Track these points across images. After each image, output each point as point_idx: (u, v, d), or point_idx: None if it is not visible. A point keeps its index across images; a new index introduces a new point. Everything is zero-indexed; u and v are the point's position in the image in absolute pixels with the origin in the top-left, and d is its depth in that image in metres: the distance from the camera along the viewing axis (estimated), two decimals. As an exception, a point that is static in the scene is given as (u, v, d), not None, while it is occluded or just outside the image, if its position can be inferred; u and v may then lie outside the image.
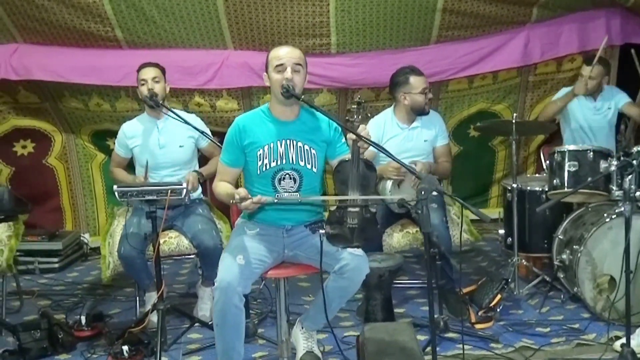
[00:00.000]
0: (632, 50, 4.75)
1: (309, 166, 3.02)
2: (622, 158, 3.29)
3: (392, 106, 4.20)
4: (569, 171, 3.82)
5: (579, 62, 4.99)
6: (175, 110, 3.93)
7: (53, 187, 5.42)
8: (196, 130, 3.84)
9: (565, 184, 3.82)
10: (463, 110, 5.49)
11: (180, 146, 3.97)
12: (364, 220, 2.88)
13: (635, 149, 3.25)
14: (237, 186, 3.16)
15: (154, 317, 3.47)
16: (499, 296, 3.83)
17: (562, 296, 3.97)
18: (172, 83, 4.30)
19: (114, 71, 4.70)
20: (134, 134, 3.99)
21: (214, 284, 2.86)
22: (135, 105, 4.94)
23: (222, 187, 3.04)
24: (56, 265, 5.02)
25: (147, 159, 3.86)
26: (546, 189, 4.06)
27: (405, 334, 2.99)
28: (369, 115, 3.07)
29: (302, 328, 3.16)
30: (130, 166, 4.15)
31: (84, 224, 5.52)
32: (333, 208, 3.00)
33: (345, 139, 3.00)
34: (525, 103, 5.52)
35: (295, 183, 3.02)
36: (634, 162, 3.13)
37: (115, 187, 3.31)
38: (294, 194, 3.03)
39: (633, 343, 3.09)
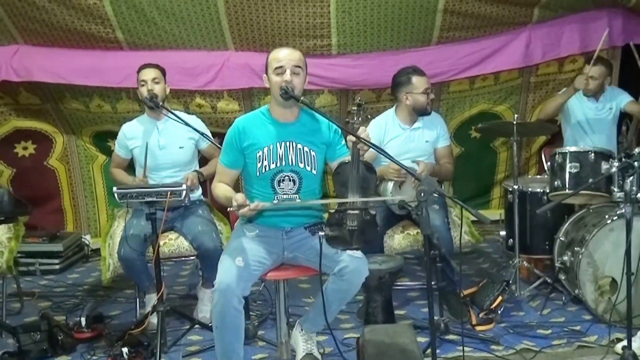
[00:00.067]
0: (631, 44, 4.73)
1: (308, 168, 3.01)
2: (623, 159, 3.27)
3: (394, 107, 4.19)
4: (570, 172, 3.81)
5: (581, 63, 4.98)
6: (175, 111, 3.92)
7: (54, 189, 5.42)
8: (196, 131, 3.84)
9: (567, 186, 3.81)
10: (464, 111, 5.48)
11: (180, 147, 3.96)
12: (363, 223, 2.87)
13: (636, 150, 3.23)
14: (237, 187, 3.15)
15: (153, 319, 3.47)
16: (500, 298, 3.81)
17: (563, 298, 3.95)
18: (172, 84, 4.30)
19: (115, 72, 4.71)
20: (134, 135, 3.99)
21: (214, 286, 2.85)
22: (136, 106, 4.94)
23: (221, 190, 3.03)
24: (57, 267, 5.02)
25: (147, 156, 3.85)
26: (547, 191, 4.04)
27: (405, 336, 2.98)
28: (369, 117, 3.06)
29: (302, 330, 3.15)
30: (130, 167, 4.15)
31: (85, 226, 5.53)
32: (333, 210, 2.99)
33: (345, 141, 2.99)
34: (527, 104, 5.51)
35: (294, 185, 3.02)
36: (635, 163, 3.11)
37: (114, 188, 3.31)
38: (294, 195, 3.02)
39: (634, 345, 3.09)
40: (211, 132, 4.16)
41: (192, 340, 3.66)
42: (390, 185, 3.83)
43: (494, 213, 5.39)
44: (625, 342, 3.08)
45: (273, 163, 2.99)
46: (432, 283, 2.62)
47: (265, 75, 3.03)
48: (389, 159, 2.84)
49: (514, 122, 3.98)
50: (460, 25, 4.83)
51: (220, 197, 3.02)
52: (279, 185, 3.01)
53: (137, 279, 3.82)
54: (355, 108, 2.89)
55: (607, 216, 3.66)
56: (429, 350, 2.94)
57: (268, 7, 4.51)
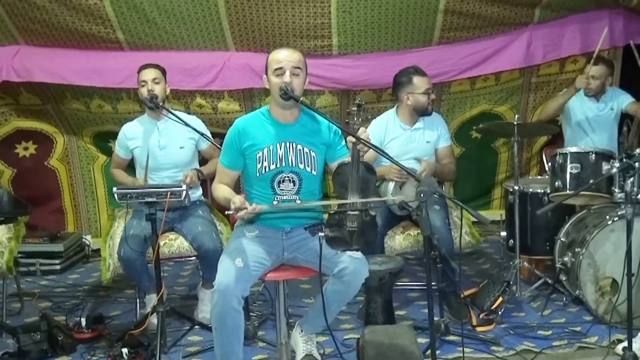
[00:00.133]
0: (632, 44, 4.72)
1: (308, 169, 3.01)
2: (624, 160, 3.27)
3: (395, 107, 4.19)
4: (571, 173, 3.80)
5: (582, 64, 4.98)
6: (175, 111, 3.92)
7: (55, 189, 5.43)
8: (196, 131, 3.83)
9: (567, 186, 3.80)
10: (465, 112, 5.48)
11: (180, 147, 3.96)
12: (363, 223, 2.87)
13: (637, 151, 3.23)
14: (237, 187, 3.15)
15: (154, 320, 3.46)
16: (500, 299, 3.80)
17: (564, 299, 3.95)
18: (173, 85, 4.30)
19: (115, 73, 4.71)
20: (134, 135, 3.99)
21: (214, 286, 2.85)
22: (136, 106, 4.95)
23: (220, 191, 3.03)
24: (57, 267, 5.02)
25: (148, 156, 3.85)
26: (548, 191, 4.03)
27: (405, 337, 2.98)
28: (369, 117, 3.06)
29: (301, 331, 3.15)
30: (130, 167, 4.15)
31: (85, 226, 5.54)
32: (333, 211, 2.98)
33: (346, 141, 2.99)
34: (528, 104, 5.51)
35: (294, 186, 3.01)
36: (636, 164, 3.11)
37: (114, 189, 3.30)
38: (293, 196, 3.02)
39: (635, 346, 3.08)
40: (212, 133, 4.16)
41: (192, 340, 3.66)
42: (391, 185, 3.83)
43: (495, 213, 5.40)
44: (625, 343, 3.08)
45: (273, 164, 2.98)
46: (433, 284, 2.62)
47: (265, 76, 3.02)
48: (389, 159, 2.84)
49: (515, 123, 3.98)
50: (461, 26, 4.82)
51: (219, 198, 3.02)
52: (279, 186, 3.00)
53: (137, 280, 3.82)
54: (355, 109, 2.89)
55: (607, 217, 3.65)
56: (429, 351, 2.94)
57: (269, 7, 4.51)
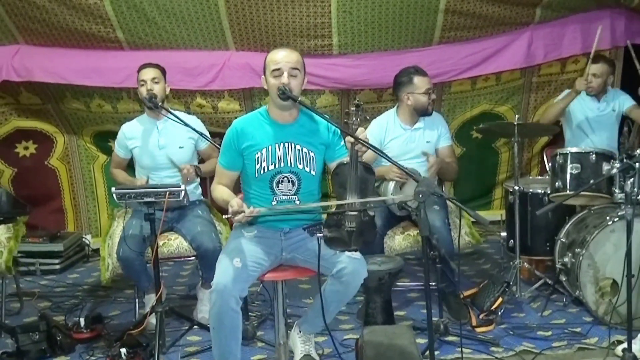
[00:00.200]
0: (629, 44, 4.70)
1: (307, 169, 3.00)
2: (624, 160, 3.25)
3: (395, 107, 4.18)
4: (571, 173, 3.79)
5: (583, 64, 4.97)
6: (175, 111, 3.91)
7: (55, 188, 5.43)
8: (195, 131, 3.83)
9: (568, 187, 3.79)
10: (466, 112, 5.46)
11: (180, 147, 3.95)
12: (362, 224, 2.86)
13: (638, 151, 3.21)
14: (236, 187, 3.14)
15: (152, 320, 3.45)
16: (500, 299, 3.80)
17: (564, 299, 3.94)
18: (173, 84, 4.30)
19: (115, 72, 4.71)
20: (133, 134, 3.99)
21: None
22: (136, 106, 4.94)
23: (219, 192, 3.02)
24: (57, 267, 5.02)
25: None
26: (548, 192, 4.02)
27: (404, 338, 2.97)
28: (368, 117, 3.04)
29: (300, 331, 3.14)
30: (130, 167, 4.15)
31: (85, 226, 5.53)
32: (332, 211, 2.98)
33: (344, 141, 2.98)
34: (529, 104, 5.49)
35: (293, 186, 3.00)
36: (636, 164, 3.10)
37: (113, 189, 3.30)
38: (292, 197, 3.01)
39: (635, 348, 3.08)
40: (212, 132, 4.16)
41: (191, 341, 3.65)
42: (392, 185, 3.82)
43: (496, 214, 5.39)
44: (625, 345, 3.07)
45: (272, 164, 2.97)
46: (432, 284, 2.62)
47: (263, 76, 3.01)
48: (388, 159, 2.83)
49: (515, 123, 3.96)
50: (462, 25, 4.81)
51: (218, 199, 3.02)
52: (278, 187, 3.00)
53: (136, 280, 3.81)
54: (354, 109, 2.88)
55: (608, 217, 3.64)
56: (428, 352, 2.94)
57: (269, 7, 4.50)
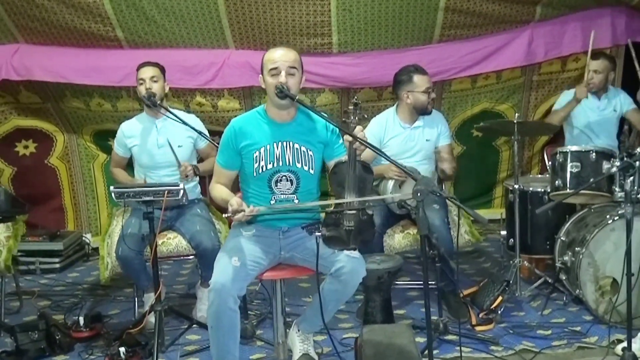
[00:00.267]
0: (629, 43, 4.69)
1: (305, 168, 2.99)
2: (624, 159, 3.25)
3: (395, 105, 4.17)
4: (571, 172, 3.77)
5: (584, 62, 4.93)
6: (174, 110, 3.91)
7: (55, 187, 5.42)
8: (194, 130, 3.82)
9: (568, 185, 3.78)
10: (466, 110, 5.45)
11: (179, 146, 3.94)
12: (360, 223, 2.85)
13: (638, 149, 3.20)
14: (235, 186, 3.14)
15: (151, 318, 3.46)
16: (500, 298, 3.79)
17: (564, 298, 3.93)
18: (173, 83, 4.29)
19: (115, 71, 4.70)
20: (132, 133, 3.98)
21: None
22: (136, 104, 4.93)
23: (217, 191, 3.02)
24: (57, 266, 5.01)
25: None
26: (548, 190, 4.01)
27: (403, 336, 2.97)
28: (366, 116, 3.04)
29: (298, 330, 3.14)
30: (129, 166, 4.14)
31: (85, 224, 5.53)
32: (330, 210, 2.97)
33: (343, 140, 2.97)
34: (530, 103, 5.48)
35: (292, 185, 2.99)
36: (636, 163, 3.09)
37: (111, 188, 3.30)
38: (291, 196, 3.00)
39: (634, 347, 3.07)
40: (212, 131, 4.16)
41: (190, 339, 3.65)
42: (391, 184, 3.81)
43: (496, 212, 5.39)
44: (625, 344, 3.06)
45: (270, 163, 2.97)
46: (431, 283, 2.61)
47: (260, 76, 3.00)
48: (386, 158, 2.82)
49: (515, 121, 3.95)
50: (462, 24, 4.80)
51: (217, 198, 3.02)
52: (276, 186, 2.99)
53: (135, 278, 3.80)
54: (352, 107, 2.88)
55: (608, 216, 3.63)
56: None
57: (268, 5, 4.49)
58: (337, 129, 3.03)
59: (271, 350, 3.39)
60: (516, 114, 4.11)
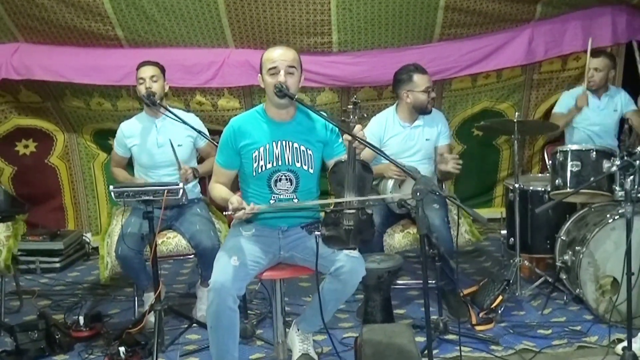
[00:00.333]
0: (634, 43, 4.69)
1: (305, 167, 2.99)
2: (624, 158, 3.24)
3: (395, 104, 4.16)
4: (571, 171, 3.77)
5: (584, 61, 4.92)
6: (173, 109, 3.91)
7: (55, 187, 5.42)
8: (193, 129, 3.82)
9: (568, 184, 3.77)
10: (467, 109, 5.44)
11: (179, 145, 3.94)
12: (360, 222, 2.86)
13: (639, 148, 3.19)
14: (234, 185, 3.13)
15: (151, 318, 3.46)
16: (500, 297, 3.78)
17: (564, 297, 3.92)
18: (173, 82, 4.29)
19: (115, 70, 4.69)
20: (132, 132, 3.98)
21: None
22: (136, 104, 4.93)
23: (217, 191, 3.02)
24: (57, 265, 5.01)
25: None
26: (549, 189, 4.00)
27: (403, 336, 2.96)
28: (365, 115, 3.03)
29: (298, 330, 3.14)
30: (129, 165, 4.14)
31: (86, 224, 5.52)
32: (329, 209, 2.97)
33: (343, 139, 2.97)
34: (530, 102, 5.47)
35: (291, 184, 2.99)
36: (636, 162, 3.08)
37: (111, 187, 3.30)
38: (291, 195, 3.00)
39: (635, 346, 3.06)
40: (212, 130, 4.16)
41: (190, 339, 3.65)
42: (390, 183, 3.81)
43: (497, 211, 5.38)
44: (625, 343, 3.05)
45: (269, 163, 2.96)
46: (432, 282, 2.60)
47: (259, 75, 3.00)
48: (385, 157, 2.82)
49: (515, 120, 3.95)
50: (462, 23, 4.79)
51: (217, 198, 3.02)
52: (276, 185, 2.99)
53: (135, 278, 3.81)
54: (351, 106, 2.87)
55: (608, 215, 3.63)
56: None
57: (268, 4, 4.49)
58: (337, 128, 3.02)
59: (271, 350, 3.39)
60: (516, 113, 4.10)
